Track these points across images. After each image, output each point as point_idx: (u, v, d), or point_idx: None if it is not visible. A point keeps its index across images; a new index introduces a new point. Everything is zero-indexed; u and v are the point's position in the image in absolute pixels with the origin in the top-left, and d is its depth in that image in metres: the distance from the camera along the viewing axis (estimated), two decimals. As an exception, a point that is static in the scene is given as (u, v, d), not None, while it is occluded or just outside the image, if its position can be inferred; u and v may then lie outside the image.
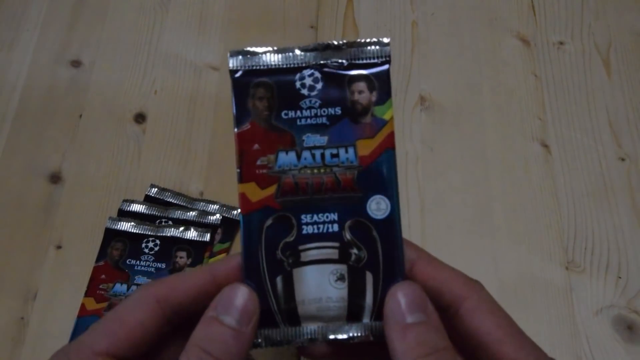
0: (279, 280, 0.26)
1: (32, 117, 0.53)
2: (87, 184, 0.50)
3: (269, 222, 0.27)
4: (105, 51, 0.56)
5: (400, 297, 0.25)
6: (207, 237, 0.46)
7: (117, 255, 0.45)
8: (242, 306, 0.25)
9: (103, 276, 0.44)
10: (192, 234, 0.46)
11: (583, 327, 0.43)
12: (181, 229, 0.46)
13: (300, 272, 0.26)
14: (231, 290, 0.25)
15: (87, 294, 0.44)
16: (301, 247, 0.27)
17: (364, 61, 0.27)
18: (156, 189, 0.49)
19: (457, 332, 0.25)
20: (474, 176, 0.50)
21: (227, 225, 0.47)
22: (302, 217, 0.26)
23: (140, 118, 0.53)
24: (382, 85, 0.27)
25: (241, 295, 0.25)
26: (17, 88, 0.54)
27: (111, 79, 0.55)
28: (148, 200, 0.48)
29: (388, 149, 0.27)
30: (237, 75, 0.28)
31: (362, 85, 0.27)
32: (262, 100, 0.27)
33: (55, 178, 0.50)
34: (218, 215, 0.47)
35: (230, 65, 0.28)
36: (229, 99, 0.55)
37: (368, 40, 0.27)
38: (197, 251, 0.45)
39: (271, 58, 0.28)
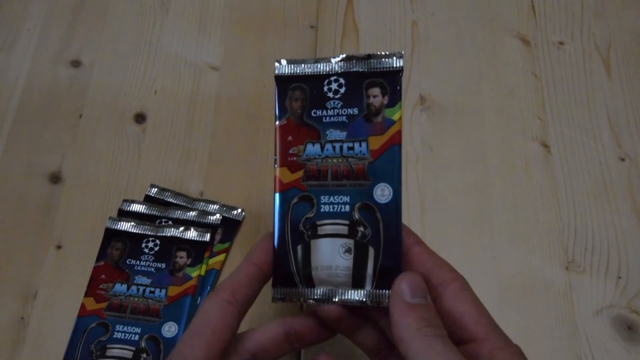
0: (299, 248, 0.31)
1: (32, 117, 0.53)
2: (87, 184, 0.50)
3: (295, 200, 0.32)
4: (105, 51, 0.56)
5: (407, 283, 0.29)
6: (207, 237, 0.46)
7: (117, 255, 0.45)
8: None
9: (103, 276, 0.44)
10: (192, 234, 0.46)
11: (583, 327, 0.43)
12: (181, 229, 0.46)
13: (317, 243, 0.31)
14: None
15: (87, 294, 0.44)
16: (319, 223, 0.32)
17: (381, 70, 0.32)
18: (156, 189, 0.49)
19: (439, 312, 0.29)
20: (474, 176, 0.50)
21: (227, 225, 0.47)
22: (321, 197, 0.32)
23: (140, 118, 0.53)
24: (393, 90, 0.32)
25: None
26: (17, 88, 0.54)
27: (111, 79, 0.55)
28: (148, 200, 0.48)
29: (394, 144, 0.31)
30: (281, 80, 0.33)
31: (376, 91, 0.32)
32: (297, 101, 0.33)
33: (55, 178, 0.50)
34: (218, 215, 0.47)
35: (276, 72, 0.33)
36: (229, 99, 0.55)
37: (385, 52, 0.32)
38: (197, 251, 0.45)
39: (307, 67, 0.33)
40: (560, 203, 0.48)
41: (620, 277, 0.45)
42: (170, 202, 0.48)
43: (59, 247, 0.47)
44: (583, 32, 0.56)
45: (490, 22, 0.57)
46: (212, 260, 0.46)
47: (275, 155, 0.32)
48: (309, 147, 0.32)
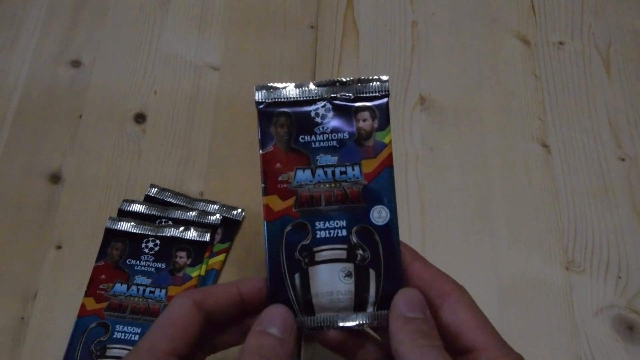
0: (297, 276, 0.31)
1: (32, 117, 0.53)
2: (87, 184, 0.50)
3: (288, 228, 0.31)
4: (105, 51, 0.56)
5: (404, 299, 0.30)
6: (207, 237, 0.46)
7: (117, 255, 0.45)
8: (283, 321, 0.30)
9: (103, 276, 0.44)
10: (192, 234, 0.46)
11: (583, 327, 0.43)
12: (181, 229, 0.46)
13: (315, 270, 0.31)
14: (274, 309, 0.30)
15: (87, 294, 0.44)
16: (315, 249, 0.31)
17: (368, 94, 0.32)
18: (156, 189, 0.49)
19: (440, 323, 0.30)
20: (474, 176, 0.50)
21: (227, 225, 0.47)
22: (316, 223, 0.31)
23: (140, 118, 0.53)
24: (382, 114, 0.32)
25: (282, 313, 0.30)
26: (17, 88, 0.54)
27: (111, 79, 0.55)
28: (148, 200, 0.48)
29: (387, 167, 0.32)
30: (262, 106, 0.32)
31: (366, 115, 0.32)
32: (283, 127, 0.32)
33: (55, 178, 0.50)
34: (218, 215, 0.47)
35: (256, 97, 0.32)
36: (229, 99, 0.55)
37: (371, 77, 0.32)
38: (197, 251, 0.45)
39: (290, 92, 0.32)
40: (560, 203, 0.48)
41: (620, 277, 0.45)
42: (170, 202, 0.48)
43: (59, 247, 0.47)
44: (583, 32, 0.56)
45: (490, 22, 0.57)
46: (212, 260, 0.46)
47: (262, 183, 0.32)
48: (299, 173, 0.32)
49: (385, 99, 0.32)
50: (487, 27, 0.57)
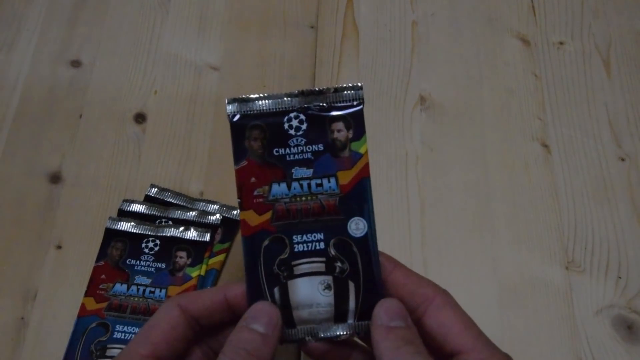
0: (276, 290, 0.31)
1: (32, 117, 0.53)
2: (87, 184, 0.50)
3: (266, 242, 0.31)
4: (105, 51, 0.56)
5: (385, 309, 0.30)
6: (207, 237, 0.46)
7: (117, 255, 0.45)
8: (268, 317, 0.30)
9: (103, 276, 0.44)
10: (192, 234, 0.46)
11: (583, 327, 0.43)
12: (181, 229, 0.46)
13: (294, 283, 0.31)
14: (258, 305, 0.31)
15: (87, 294, 0.44)
16: (294, 263, 0.31)
17: (342, 104, 0.31)
18: (156, 189, 0.49)
19: (425, 329, 0.30)
20: (474, 176, 0.50)
21: (227, 225, 0.47)
22: (294, 237, 0.31)
23: (140, 118, 0.53)
24: (357, 123, 0.31)
25: (267, 309, 0.30)
26: (17, 88, 0.54)
27: (111, 79, 0.55)
28: (148, 200, 0.48)
29: (364, 178, 0.31)
30: (234, 119, 0.32)
31: (340, 125, 0.31)
32: (257, 141, 0.31)
33: (55, 178, 0.50)
34: (218, 215, 0.47)
35: (228, 110, 0.32)
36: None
37: (344, 85, 0.32)
38: (197, 251, 0.45)
39: (262, 104, 0.32)
40: (560, 203, 0.48)
41: (620, 277, 0.45)
42: (170, 202, 0.48)
43: (59, 247, 0.47)
44: (583, 32, 0.56)
45: (490, 22, 0.57)
46: (212, 260, 0.46)
47: (238, 198, 0.32)
48: (275, 187, 0.31)
49: (360, 107, 0.31)
50: (487, 27, 0.57)
